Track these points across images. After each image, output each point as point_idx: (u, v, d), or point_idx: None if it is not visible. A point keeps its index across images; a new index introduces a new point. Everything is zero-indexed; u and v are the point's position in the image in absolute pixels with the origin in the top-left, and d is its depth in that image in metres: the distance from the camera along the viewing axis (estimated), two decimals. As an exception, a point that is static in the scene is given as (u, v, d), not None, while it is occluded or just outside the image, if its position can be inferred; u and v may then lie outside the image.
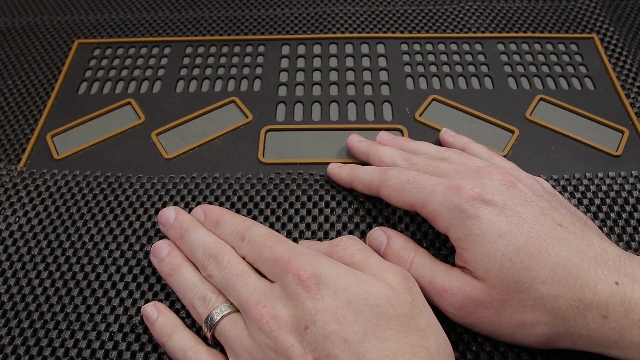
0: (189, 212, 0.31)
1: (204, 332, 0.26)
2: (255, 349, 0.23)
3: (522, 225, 0.24)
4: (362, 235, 0.31)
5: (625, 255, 0.24)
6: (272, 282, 0.25)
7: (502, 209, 0.25)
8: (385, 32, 0.44)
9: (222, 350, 0.26)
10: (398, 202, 0.28)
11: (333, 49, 0.43)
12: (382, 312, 0.22)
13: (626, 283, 0.23)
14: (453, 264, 0.27)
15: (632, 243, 0.30)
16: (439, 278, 0.26)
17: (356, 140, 0.35)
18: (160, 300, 0.28)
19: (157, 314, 0.27)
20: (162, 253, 0.29)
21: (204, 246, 0.27)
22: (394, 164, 0.31)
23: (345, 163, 0.35)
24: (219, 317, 0.25)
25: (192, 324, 0.28)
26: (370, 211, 0.32)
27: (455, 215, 0.25)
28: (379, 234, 0.29)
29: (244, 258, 0.27)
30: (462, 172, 0.27)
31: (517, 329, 0.24)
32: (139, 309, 0.28)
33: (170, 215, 0.30)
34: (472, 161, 0.29)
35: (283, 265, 0.24)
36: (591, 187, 0.33)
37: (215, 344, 0.26)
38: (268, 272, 0.25)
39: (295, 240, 0.31)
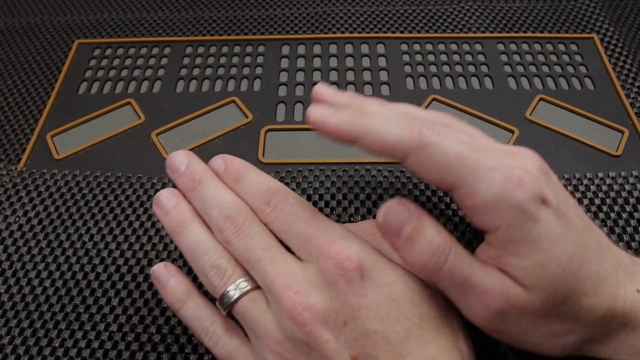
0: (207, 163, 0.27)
1: (218, 307, 0.23)
2: (284, 338, 0.21)
3: (570, 228, 0.21)
4: (362, 235, 0.31)
5: (634, 260, 0.23)
6: (300, 260, 0.22)
7: (556, 209, 0.21)
8: (385, 32, 0.44)
9: (238, 322, 0.24)
10: (434, 178, 0.21)
11: (333, 49, 0.43)
12: (425, 312, 0.21)
13: None
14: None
15: (632, 243, 0.30)
16: (478, 276, 0.21)
17: (329, 93, 0.25)
18: (159, 299, 0.28)
19: (169, 276, 0.25)
20: (168, 205, 0.25)
21: (220, 205, 0.24)
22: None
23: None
24: (237, 295, 0.22)
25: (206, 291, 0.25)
26: (371, 211, 0.32)
27: (513, 215, 0.20)
28: (400, 209, 0.21)
29: (266, 225, 0.24)
30: (491, 150, 0.22)
31: (546, 338, 0.22)
32: (138, 309, 0.28)
33: (182, 160, 0.26)
34: (478, 133, 0.24)
35: (322, 248, 0.21)
36: (591, 187, 0.33)
37: (230, 318, 0.24)
38: (299, 249, 0.22)
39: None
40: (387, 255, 0.23)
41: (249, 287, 0.23)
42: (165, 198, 0.25)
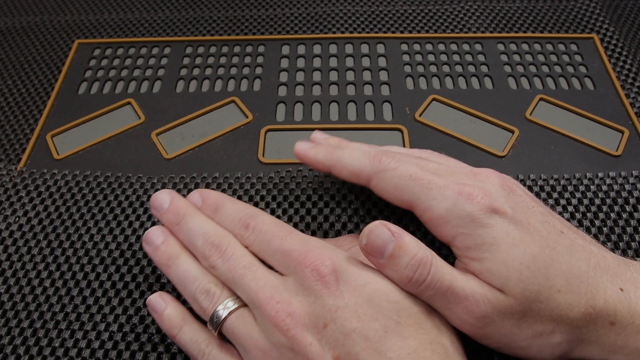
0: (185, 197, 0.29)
1: (209, 329, 0.25)
2: (270, 347, 0.22)
3: (532, 233, 0.23)
4: (362, 235, 0.31)
5: (621, 261, 0.24)
6: (281, 274, 0.24)
7: (511, 217, 0.23)
8: (385, 32, 0.44)
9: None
10: (393, 198, 0.25)
11: (333, 49, 0.43)
12: (403, 309, 0.22)
13: (630, 289, 0.23)
14: None
15: (632, 243, 0.30)
16: (459, 283, 0.23)
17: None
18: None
19: (164, 305, 0.26)
20: (157, 241, 0.27)
21: (204, 234, 0.26)
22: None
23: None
24: (225, 314, 0.24)
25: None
26: (370, 211, 0.32)
27: (465, 224, 0.23)
28: (382, 230, 0.23)
29: (247, 248, 0.25)
30: (456, 173, 0.25)
31: (533, 340, 0.23)
32: (138, 309, 0.28)
33: (165, 199, 0.28)
34: (454, 162, 0.28)
35: (299, 259, 0.23)
36: (591, 187, 0.33)
37: (224, 340, 0.25)
38: (278, 264, 0.24)
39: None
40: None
41: (236, 306, 0.24)
42: (154, 235, 0.27)
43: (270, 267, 0.24)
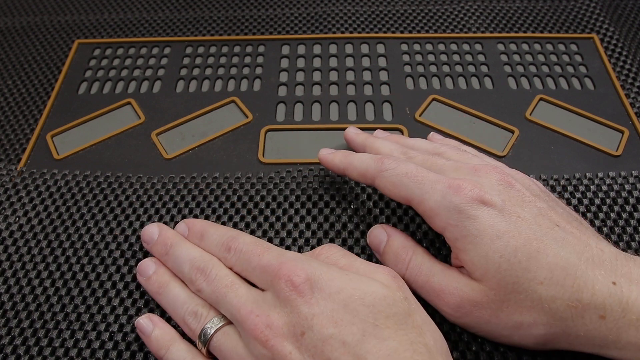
0: (174, 226, 0.30)
1: (199, 347, 0.25)
2: None
3: (520, 225, 0.24)
4: (362, 235, 0.31)
5: (621, 255, 0.24)
6: (263, 290, 0.24)
7: (500, 209, 0.24)
8: (385, 32, 0.44)
9: None
10: (394, 194, 0.28)
11: (333, 49, 0.43)
12: (380, 311, 0.22)
13: (623, 283, 0.23)
14: (450, 264, 0.27)
15: (632, 243, 0.30)
16: (436, 278, 0.26)
17: (353, 132, 0.34)
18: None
19: (152, 326, 0.27)
20: (149, 271, 0.28)
21: (191, 260, 0.27)
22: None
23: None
24: (212, 332, 0.25)
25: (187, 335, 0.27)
26: (371, 211, 0.32)
27: (453, 216, 0.25)
28: (379, 231, 0.29)
29: (231, 269, 0.26)
30: (460, 169, 0.27)
31: (514, 330, 0.24)
32: (139, 309, 0.28)
33: (154, 231, 0.29)
34: (468, 158, 0.29)
35: (274, 272, 0.24)
36: (591, 187, 0.33)
37: (211, 358, 0.26)
38: (258, 280, 0.25)
39: (295, 239, 0.31)
40: None
41: (221, 323, 0.25)
42: (146, 266, 0.29)
43: (254, 285, 0.25)
